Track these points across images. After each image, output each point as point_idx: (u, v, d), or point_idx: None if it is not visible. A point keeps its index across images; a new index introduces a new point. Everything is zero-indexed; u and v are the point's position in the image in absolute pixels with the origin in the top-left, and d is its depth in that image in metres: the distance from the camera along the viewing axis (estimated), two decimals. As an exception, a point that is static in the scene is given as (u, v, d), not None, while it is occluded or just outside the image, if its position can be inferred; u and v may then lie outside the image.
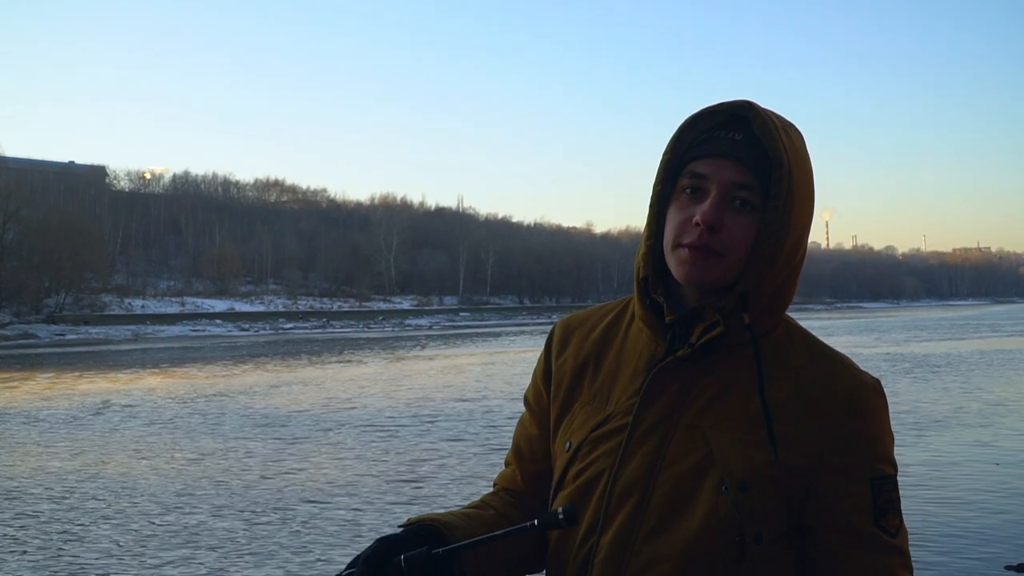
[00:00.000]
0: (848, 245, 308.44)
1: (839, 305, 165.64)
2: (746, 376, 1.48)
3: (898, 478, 1.45)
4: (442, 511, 1.58)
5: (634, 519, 1.46)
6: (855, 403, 1.47)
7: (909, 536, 1.40)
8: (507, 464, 1.77)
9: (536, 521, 1.40)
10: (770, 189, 1.46)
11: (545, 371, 1.70)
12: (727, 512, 1.42)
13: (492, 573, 1.55)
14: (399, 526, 1.50)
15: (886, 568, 1.44)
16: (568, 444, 1.58)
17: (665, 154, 1.54)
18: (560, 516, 1.38)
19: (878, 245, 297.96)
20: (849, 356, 1.54)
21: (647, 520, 1.46)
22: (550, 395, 1.67)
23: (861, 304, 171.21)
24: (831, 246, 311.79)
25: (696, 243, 1.46)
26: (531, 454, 1.70)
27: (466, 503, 1.72)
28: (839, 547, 1.45)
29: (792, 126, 1.52)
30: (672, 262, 1.50)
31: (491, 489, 1.78)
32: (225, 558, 8.40)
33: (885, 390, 1.48)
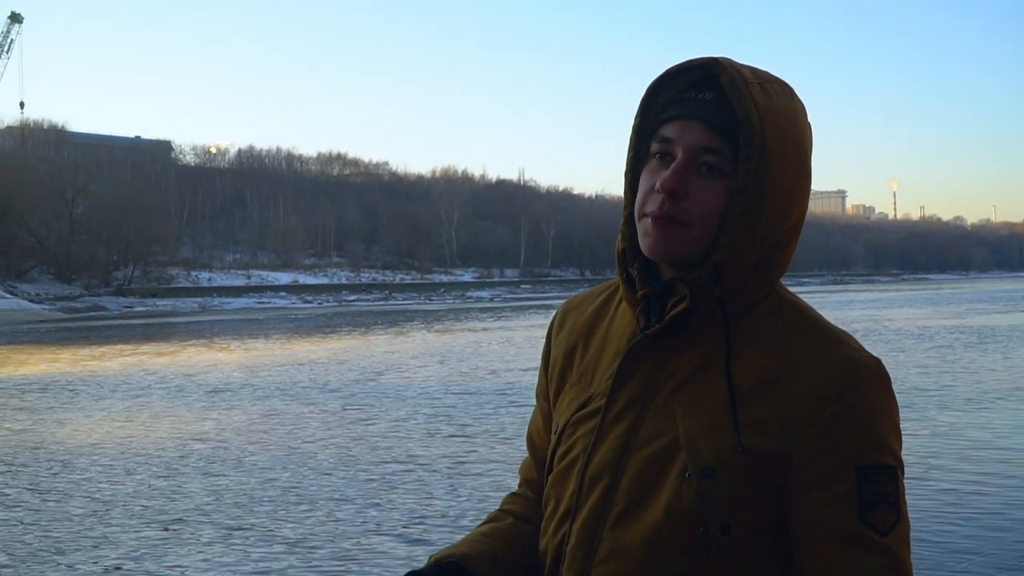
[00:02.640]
0: (916, 216, 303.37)
1: (906, 276, 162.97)
2: (723, 353, 1.37)
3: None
4: (461, 539, 1.55)
5: (603, 505, 1.38)
6: (843, 382, 1.32)
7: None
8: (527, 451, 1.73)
9: None
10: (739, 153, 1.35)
11: (545, 356, 1.65)
12: (690, 501, 1.31)
13: None
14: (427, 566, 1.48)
15: (869, 569, 1.28)
16: (556, 426, 1.53)
17: (636, 118, 1.44)
18: None
19: (946, 215, 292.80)
20: (850, 332, 1.40)
21: (615, 506, 1.37)
22: (548, 380, 1.62)
23: (928, 276, 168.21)
24: (898, 216, 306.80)
25: (657, 212, 1.36)
26: (540, 442, 1.64)
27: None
28: (814, 541, 1.31)
29: (774, 81, 1.39)
30: (639, 233, 1.41)
31: (517, 476, 1.75)
32: (329, 514, 8.59)
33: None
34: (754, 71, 1.38)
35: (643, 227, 1.39)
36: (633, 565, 1.34)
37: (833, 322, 1.44)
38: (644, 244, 1.39)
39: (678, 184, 1.34)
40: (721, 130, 1.34)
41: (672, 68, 1.42)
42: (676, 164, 1.35)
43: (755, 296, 1.41)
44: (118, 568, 7.28)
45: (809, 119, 1.43)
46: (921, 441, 11.32)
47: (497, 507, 1.69)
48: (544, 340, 1.67)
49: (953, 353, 23.24)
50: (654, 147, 1.40)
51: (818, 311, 1.44)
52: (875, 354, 1.38)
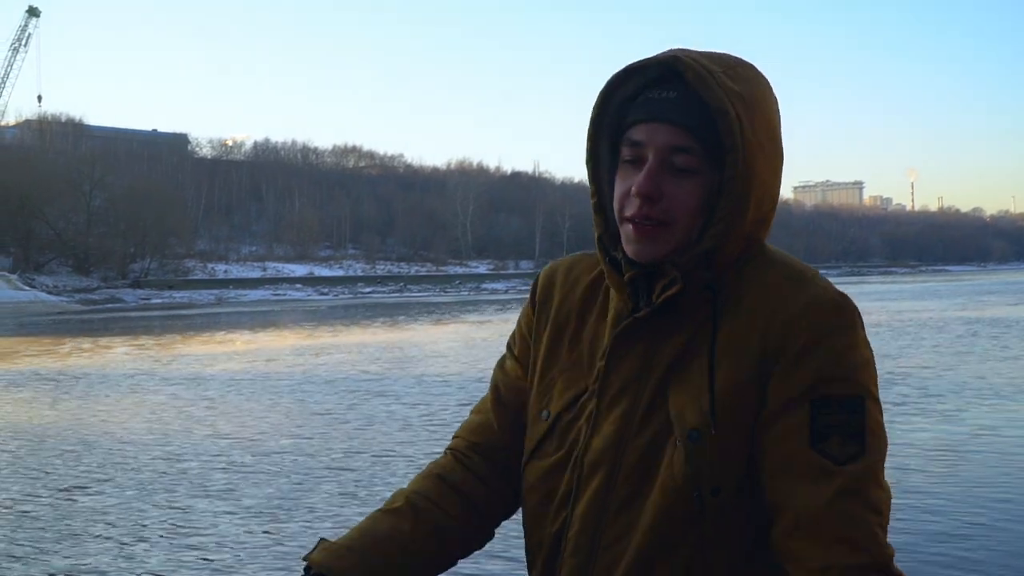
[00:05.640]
0: (934, 207, 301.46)
1: (923, 268, 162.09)
2: (709, 330, 1.39)
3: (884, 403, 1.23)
4: (348, 530, 1.52)
5: (606, 490, 1.39)
6: (807, 318, 1.33)
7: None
8: (476, 412, 1.68)
9: None
10: (717, 144, 1.35)
11: (528, 316, 1.63)
12: (681, 467, 1.33)
13: None
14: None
15: (820, 496, 1.27)
16: (546, 413, 1.50)
17: (593, 110, 1.44)
18: None
19: (965, 206, 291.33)
20: (827, 278, 1.41)
21: (619, 491, 1.38)
22: (531, 342, 1.60)
23: (946, 267, 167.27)
24: (916, 208, 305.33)
25: (637, 215, 1.37)
26: (510, 400, 1.62)
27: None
28: (771, 473, 1.32)
29: (738, 64, 1.40)
30: (622, 237, 1.41)
31: (446, 451, 1.68)
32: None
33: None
34: (716, 58, 1.39)
35: (625, 232, 1.40)
36: (642, 544, 1.35)
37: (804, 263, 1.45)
38: (629, 249, 1.40)
39: (653, 187, 1.35)
40: (689, 128, 1.35)
41: (631, 65, 1.41)
42: (648, 167, 1.36)
43: (738, 266, 1.42)
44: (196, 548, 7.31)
45: (774, 91, 1.43)
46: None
47: (451, 460, 1.65)
48: (527, 303, 1.64)
49: (976, 342, 23.20)
50: (625, 152, 1.40)
51: (788, 254, 1.46)
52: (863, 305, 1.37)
